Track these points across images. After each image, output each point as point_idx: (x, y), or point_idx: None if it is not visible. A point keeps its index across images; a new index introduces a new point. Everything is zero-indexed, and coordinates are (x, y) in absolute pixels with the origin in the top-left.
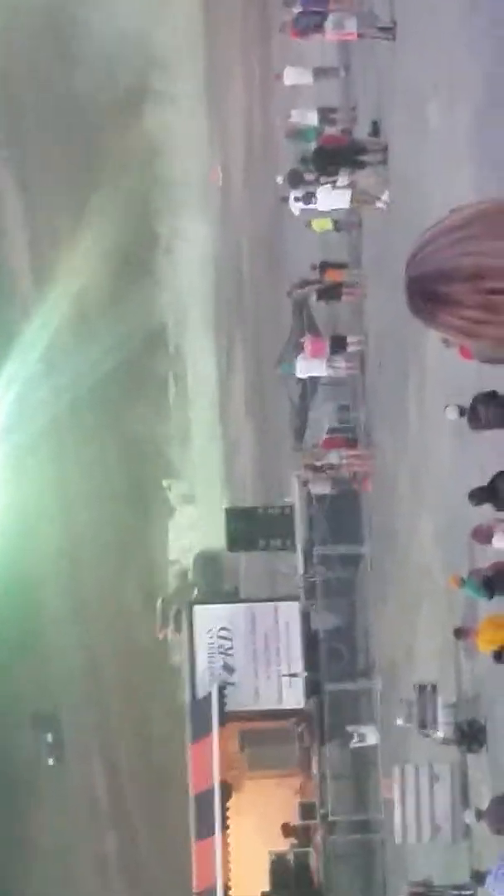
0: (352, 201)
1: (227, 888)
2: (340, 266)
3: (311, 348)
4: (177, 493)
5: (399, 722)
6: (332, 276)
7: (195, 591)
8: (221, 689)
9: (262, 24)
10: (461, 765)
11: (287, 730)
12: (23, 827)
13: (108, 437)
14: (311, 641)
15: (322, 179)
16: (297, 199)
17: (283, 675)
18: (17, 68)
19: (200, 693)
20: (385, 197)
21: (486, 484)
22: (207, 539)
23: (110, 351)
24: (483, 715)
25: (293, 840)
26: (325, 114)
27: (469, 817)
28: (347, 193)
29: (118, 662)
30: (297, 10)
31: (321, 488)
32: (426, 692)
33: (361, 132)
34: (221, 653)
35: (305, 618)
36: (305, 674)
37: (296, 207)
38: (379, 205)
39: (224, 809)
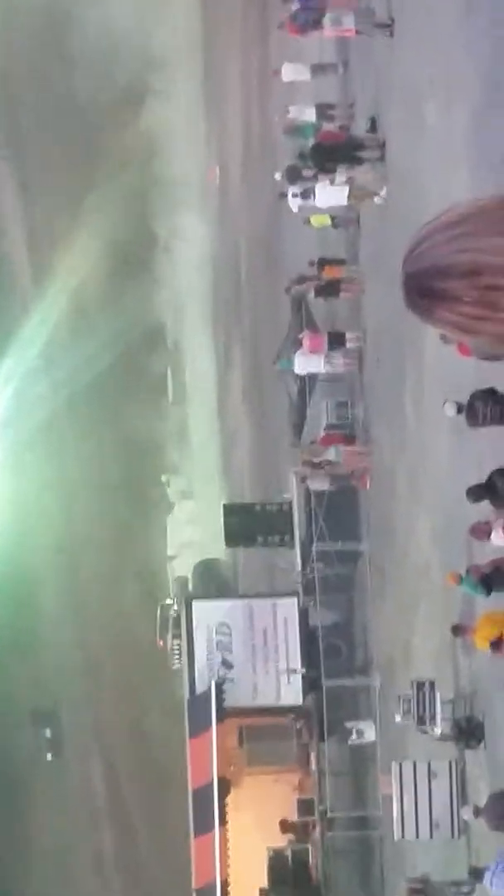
0: (350, 198)
1: (225, 884)
2: (338, 262)
3: (310, 344)
4: (175, 489)
5: (397, 718)
6: (330, 273)
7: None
8: (220, 685)
9: (261, 23)
10: (459, 761)
11: (286, 726)
12: (21, 822)
13: (107, 432)
14: (309, 638)
15: (320, 176)
16: (295, 196)
17: (282, 672)
18: (16, 67)
19: (199, 689)
20: (383, 193)
21: (484, 481)
22: (206, 534)
23: (109, 348)
24: (481, 711)
25: (291, 836)
26: (323, 110)
27: (467, 813)
28: (345, 190)
29: (117, 658)
30: (295, 6)
31: (319, 484)
32: (424, 689)
33: (359, 129)
34: (220, 649)
35: (304, 614)
36: (304, 670)
37: (294, 204)
38: (377, 201)
39: (222, 805)
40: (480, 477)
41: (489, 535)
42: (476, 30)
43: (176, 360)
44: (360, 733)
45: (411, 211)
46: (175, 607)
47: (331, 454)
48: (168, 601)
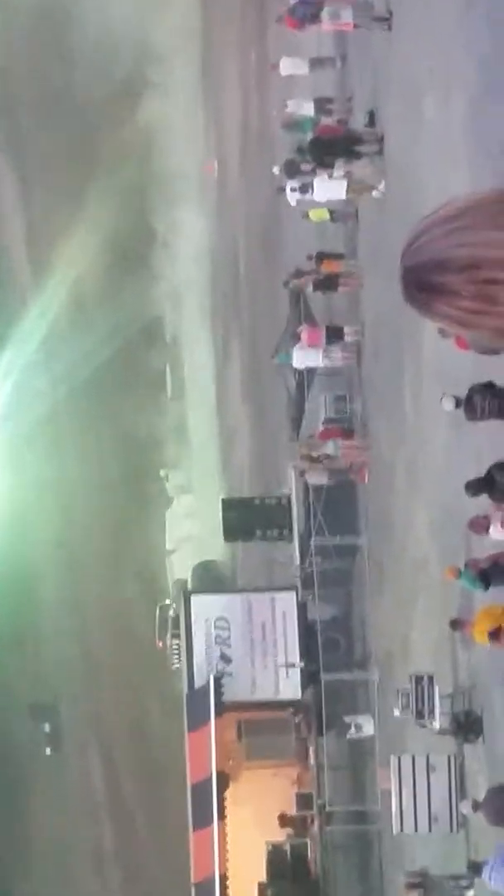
0: (348, 192)
1: (224, 878)
2: (337, 256)
3: (308, 338)
4: (174, 483)
5: (396, 713)
6: (328, 267)
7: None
8: (218, 680)
9: (259, 17)
10: (458, 755)
11: (284, 720)
12: (20, 817)
13: (106, 426)
14: (307, 632)
15: (318, 170)
16: (293, 190)
17: (280, 666)
18: (14, 62)
19: (197, 683)
20: (381, 187)
21: (482, 475)
22: (204, 529)
23: (107, 342)
24: (479, 705)
25: (290, 830)
26: (322, 104)
27: (466, 808)
28: (344, 183)
29: (116, 652)
30: (293, 0)
31: (318, 479)
32: (423, 683)
33: (357, 123)
34: (218, 643)
35: (302, 608)
36: (302, 664)
37: (292, 198)
38: (375, 195)
39: (221, 799)
40: (479, 471)
41: (487, 529)
42: (475, 23)
43: (174, 354)
44: (358, 727)
45: (410, 205)
46: (174, 609)
47: (329, 448)
48: (167, 602)
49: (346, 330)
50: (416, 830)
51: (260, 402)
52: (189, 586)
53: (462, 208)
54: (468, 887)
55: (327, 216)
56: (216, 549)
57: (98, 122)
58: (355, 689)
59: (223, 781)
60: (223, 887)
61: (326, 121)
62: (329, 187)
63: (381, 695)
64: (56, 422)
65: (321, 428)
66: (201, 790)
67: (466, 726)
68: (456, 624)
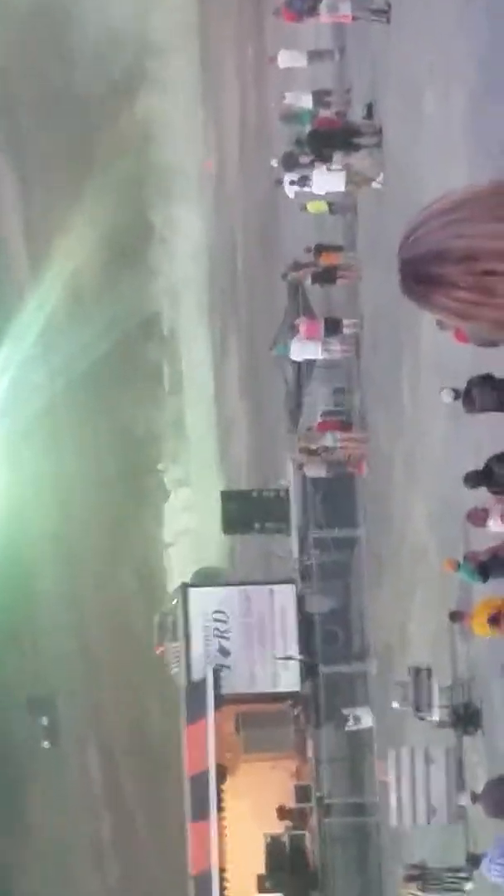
0: (347, 184)
1: (222, 870)
2: (335, 249)
3: (306, 331)
4: (172, 477)
5: (395, 705)
6: (327, 259)
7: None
8: (217, 672)
9: (257, 10)
10: (456, 747)
11: (283, 712)
12: (18, 810)
13: (104, 421)
14: (306, 624)
15: (317, 162)
16: (291, 182)
17: (279, 658)
18: (12, 57)
19: (196, 676)
20: (380, 179)
21: (481, 467)
22: (203, 522)
23: (105, 337)
24: (478, 697)
25: (289, 823)
26: (320, 96)
27: (465, 800)
28: (342, 176)
29: (114, 646)
30: None
31: (316, 471)
32: (421, 675)
33: (356, 115)
34: (217, 636)
35: (300, 601)
36: (301, 657)
37: (291, 190)
38: (374, 187)
39: (219, 792)
40: (478, 463)
41: (486, 521)
42: (474, 16)
43: (172, 348)
44: (357, 720)
45: (408, 197)
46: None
47: (328, 441)
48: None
49: (345, 322)
50: (414, 822)
51: (258, 396)
52: None
53: (459, 200)
54: (467, 879)
55: (326, 208)
56: (214, 542)
57: (96, 118)
58: (354, 681)
59: (221, 774)
60: (222, 880)
61: (325, 113)
62: (327, 179)
63: (380, 687)
64: (54, 416)
65: (319, 420)
66: (199, 783)
67: (465, 718)
68: (455, 616)
